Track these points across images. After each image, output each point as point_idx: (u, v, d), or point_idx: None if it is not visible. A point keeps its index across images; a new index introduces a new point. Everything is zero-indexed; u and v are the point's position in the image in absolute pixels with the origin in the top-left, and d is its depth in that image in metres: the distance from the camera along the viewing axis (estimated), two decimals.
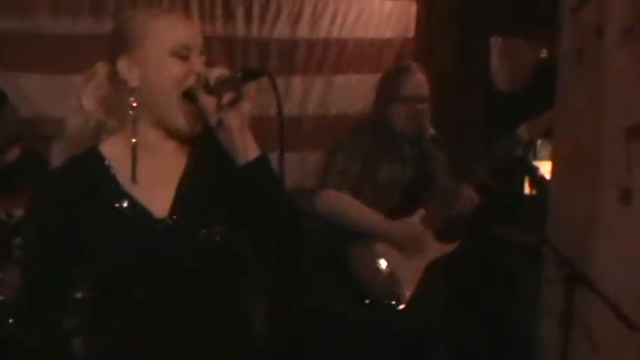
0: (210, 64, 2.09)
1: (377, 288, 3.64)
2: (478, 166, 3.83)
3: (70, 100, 4.39)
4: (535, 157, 5.42)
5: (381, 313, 3.65)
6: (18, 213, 3.92)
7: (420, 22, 5.44)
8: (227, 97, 1.97)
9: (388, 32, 5.41)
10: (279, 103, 1.99)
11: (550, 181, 4.15)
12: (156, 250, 2.03)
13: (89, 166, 2.08)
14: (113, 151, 2.10)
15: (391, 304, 3.64)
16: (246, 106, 2.00)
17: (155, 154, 2.10)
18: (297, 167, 5.16)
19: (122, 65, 2.05)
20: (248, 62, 5.13)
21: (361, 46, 5.37)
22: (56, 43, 4.73)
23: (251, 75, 1.99)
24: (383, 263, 3.68)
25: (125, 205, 2.04)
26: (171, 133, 2.09)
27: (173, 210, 2.07)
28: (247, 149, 2.01)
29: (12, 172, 4.16)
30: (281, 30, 5.22)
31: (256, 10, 5.16)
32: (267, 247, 2.10)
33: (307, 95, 5.32)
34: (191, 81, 2.02)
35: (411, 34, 5.44)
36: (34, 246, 2.12)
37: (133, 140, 2.07)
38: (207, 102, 1.99)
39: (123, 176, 2.08)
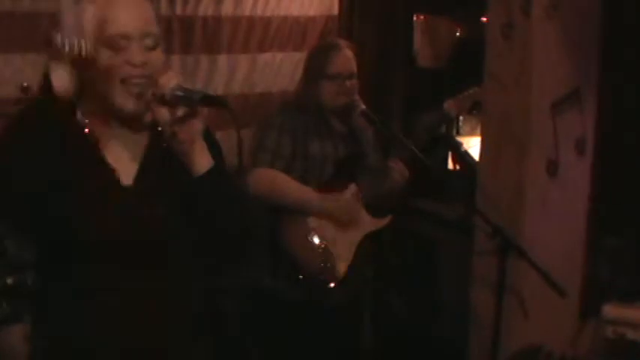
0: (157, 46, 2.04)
1: (311, 264, 3.66)
2: (407, 141, 3.86)
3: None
4: (458, 133, 5.51)
5: (314, 289, 3.68)
6: None
7: (343, 0, 5.44)
8: (180, 111, 1.97)
9: (312, 10, 5.38)
10: (238, 135, 2.03)
11: (479, 154, 4.23)
12: (118, 216, 2.03)
13: (60, 116, 2.06)
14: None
15: (325, 280, 3.67)
16: (199, 124, 2.00)
17: (113, 127, 2.09)
18: (223, 145, 5.11)
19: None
20: (172, 41, 5.06)
21: (285, 24, 5.34)
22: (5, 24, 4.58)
23: (209, 101, 2.00)
24: (316, 239, 3.70)
25: (98, 162, 2.05)
26: (120, 117, 2.07)
27: (136, 182, 2.08)
28: (199, 163, 2.02)
29: None
30: (205, 8, 5.15)
31: None
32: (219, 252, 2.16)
33: (233, 74, 5.26)
34: (125, 71, 1.99)
35: (335, 11, 5.44)
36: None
37: (86, 120, 2.07)
38: (161, 113, 1.98)
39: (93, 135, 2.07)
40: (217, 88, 5.22)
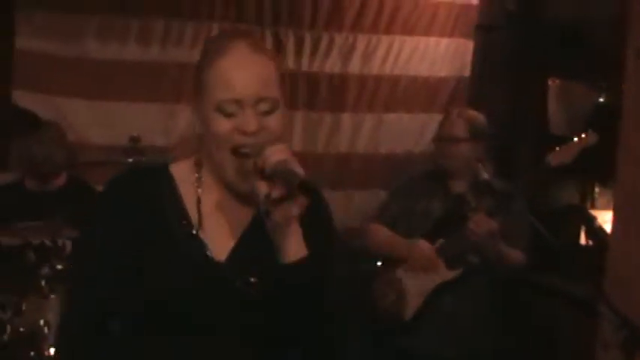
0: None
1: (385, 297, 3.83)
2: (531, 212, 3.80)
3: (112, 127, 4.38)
4: (593, 206, 5.19)
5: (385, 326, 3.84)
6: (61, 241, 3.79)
7: (476, 61, 5.25)
8: (278, 191, 1.78)
9: (443, 70, 5.23)
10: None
11: (610, 231, 3.93)
12: (203, 290, 1.88)
13: (159, 184, 1.95)
14: (184, 175, 1.96)
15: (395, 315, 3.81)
16: (295, 209, 1.80)
17: (221, 195, 1.94)
18: (343, 206, 5.00)
19: (193, 109, 1.93)
20: (297, 96, 5.00)
21: (414, 84, 5.20)
22: (101, 69, 4.66)
23: (306, 187, 1.80)
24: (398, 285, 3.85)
25: (187, 233, 1.91)
26: (228, 187, 1.93)
27: (231, 257, 1.92)
28: (289, 250, 1.83)
29: (58, 199, 4.06)
30: (332, 65, 5.08)
31: (307, 44, 5.03)
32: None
33: (357, 133, 5.16)
34: (236, 139, 1.83)
35: (467, 72, 5.26)
36: (90, 259, 1.95)
37: (199, 190, 1.94)
38: (258, 186, 1.81)
39: (189, 203, 1.94)
40: (340, 147, 5.14)
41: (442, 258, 3.76)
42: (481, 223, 3.64)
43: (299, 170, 1.76)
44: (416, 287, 3.80)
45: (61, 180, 4.17)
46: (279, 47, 4.98)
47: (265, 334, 1.89)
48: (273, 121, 1.86)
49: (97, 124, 4.62)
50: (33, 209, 3.83)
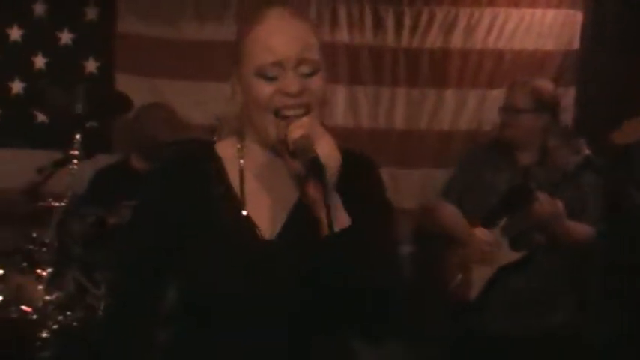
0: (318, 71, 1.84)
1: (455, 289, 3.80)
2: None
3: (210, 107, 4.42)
4: None
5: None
6: None
7: (585, 33, 5.03)
8: (302, 169, 1.74)
9: (550, 43, 5.03)
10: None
11: None
12: (254, 269, 1.84)
13: (203, 166, 1.93)
14: (228, 153, 1.94)
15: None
16: (330, 176, 1.74)
17: (267, 171, 1.91)
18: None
19: (233, 79, 1.91)
20: (398, 73, 4.92)
21: (519, 58, 5.02)
22: (199, 50, 4.71)
23: (314, 166, 1.73)
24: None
25: (235, 215, 1.87)
26: (275, 152, 1.88)
27: (281, 233, 1.88)
28: (333, 222, 1.74)
29: None
30: (433, 40, 4.97)
31: (407, 19, 4.94)
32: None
33: (460, 109, 5.03)
34: (277, 101, 1.81)
35: (576, 45, 5.04)
36: (136, 238, 1.96)
37: (241, 161, 1.91)
38: (288, 163, 1.79)
39: (235, 181, 1.91)
40: (443, 124, 5.03)
41: (506, 237, 3.71)
42: (546, 205, 3.57)
43: (314, 148, 1.72)
44: (480, 268, 3.77)
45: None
46: (378, 23, 4.92)
47: (317, 312, 1.82)
48: (315, 83, 1.83)
49: (196, 104, 4.66)
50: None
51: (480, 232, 3.74)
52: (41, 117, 4.72)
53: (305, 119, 1.79)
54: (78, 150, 3.39)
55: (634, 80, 5.00)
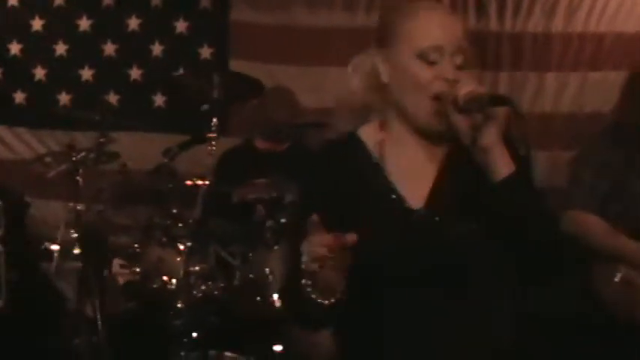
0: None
1: (616, 308, 3.44)
2: None
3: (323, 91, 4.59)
4: None
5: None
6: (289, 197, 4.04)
7: None
8: (478, 118, 1.90)
9: None
10: (525, 137, 1.96)
11: None
12: (410, 242, 1.97)
13: (350, 151, 2.07)
14: (371, 137, 2.08)
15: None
16: (497, 127, 1.90)
17: (409, 148, 2.05)
18: (548, 166, 4.98)
19: (378, 60, 2.03)
20: (501, 57, 5.04)
21: (621, 41, 5.09)
22: (311, 36, 4.88)
23: (497, 101, 1.90)
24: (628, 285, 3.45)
25: (386, 191, 2.02)
26: (422, 133, 2.03)
27: (429, 202, 2.02)
28: (500, 167, 1.92)
29: (284, 159, 4.33)
30: (535, 24, 5.08)
31: (510, 4, 5.06)
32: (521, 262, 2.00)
33: (561, 92, 5.13)
34: (437, 86, 1.95)
35: None
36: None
37: (381, 137, 2.05)
38: (458, 120, 1.92)
39: (381, 161, 2.05)
40: (544, 106, 5.13)
41: None
42: None
43: (484, 91, 1.88)
44: None
45: (287, 142, 4.43)
46: (482, 9, 5.04)
47: (472, 276, 1.97)
48: (466, 77, 1.95)
49: (308, 88, 4.84)
50: (263, 168, 4.04)
51: None
52: (158, 101, 4.96)
53: (468, 79, 1.93)
54: (216, 133, 3.58)
55: None
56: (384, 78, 2.01)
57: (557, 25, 5.09)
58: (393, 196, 2.01)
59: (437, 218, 1.99)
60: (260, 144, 4.46)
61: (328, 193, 2.02)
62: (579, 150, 3.71)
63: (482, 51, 5.09)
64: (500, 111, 1.89)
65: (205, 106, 3.86)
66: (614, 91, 5.00)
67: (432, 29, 1.96)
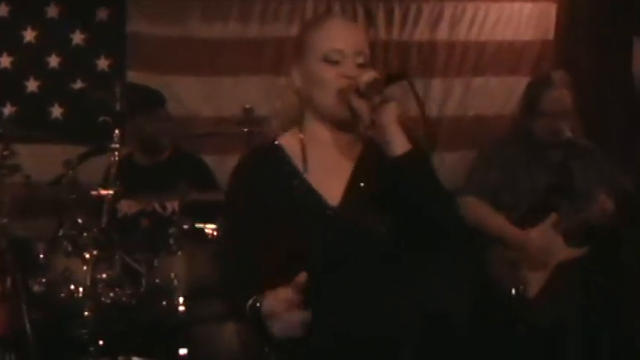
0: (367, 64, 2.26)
1: (505, 287, 3.80)
2: (622, 173, 3.88)
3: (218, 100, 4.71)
4: None
5: (507, 309, 3.82)
6: (170, 206, 4.21)
7: (559, 24, 5.41)
8: (377, 100, 2.16)
9: (528, 34, 5.40)
10: (418, 98, 2.21)
11: None
12: (325, 235, 2.20)
13: (272, 157, 2.31)
14: (290, 143, 2.32)
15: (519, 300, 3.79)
16: (393, 105, 2.18)
17: (327, 147, 2.30)
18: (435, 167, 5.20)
19: (293, 68, 2.33)
20: (389, 65, 5.26)
21: (500, 49, 5.39)
22: (206, 47, 5.00)
23: (393, 78, 2.20)
24: (514, 264, 3.82)
25: (302, 190, 2.24)
26: (334, 125, 2.28)
27: (344, 198, 2.25)
28: (397, 144, 2.16)
29: (165, 169, 4.43)
30: (421, 33, 5.32)
31: (397, 14, 5.29)
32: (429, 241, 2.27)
33: (447, 97, 5.38)
34: (342, 83, 2.20)
35: (551, 36, 5.42)
36: (234, 230, 2.33)
37: (300, 136, 2.30)
38: (359, 105, 2.18)
39: (299, 166, 2.28)
40: (431, 110, 5.35)
41: (561, 234, 3.80)
42: (607, 206, 3.73)
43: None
44: (534, 265, 3.79)
45: (167, 152, 4.55)
46: (370, 19, 5.25)
47: (387, 265, 2.22)
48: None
49: (204, 98, 4.97)
50: (144, 181, 4.25)
51: (536, 236, 3.77)
52: (55, 113, 5.00)
53: (370, 70, 2.21)
54: (118, 144, 3.67)
55: (605, 70, 5.37)
56: (297, 82, 2.29)
57: (442, 34, 5.34)
58: (312, 195, 2.24)
59: (349, 214, 2.21)
60: (138, 159, 4.57)
61: (252, 196, 2.25)
62: (480, 147, 4.08)
63: (372, 59, 5.30)
64: (396, 91, 2.16)
65: (104, 118, 3.93)
66: (495, 95, 5.39)
67: (334, 36, 2.26)
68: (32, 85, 4.99)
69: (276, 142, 2.33)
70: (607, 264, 4.38)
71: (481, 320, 3.95)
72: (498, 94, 5.40)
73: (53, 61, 5.00)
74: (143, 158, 4.57)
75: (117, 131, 3.66)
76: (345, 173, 2.28)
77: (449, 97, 5.39)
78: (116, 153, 3.64)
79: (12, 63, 4.98)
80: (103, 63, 5.02)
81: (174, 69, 5.00)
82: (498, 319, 3.84)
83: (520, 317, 3.78)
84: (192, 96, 4.98)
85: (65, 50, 5.00)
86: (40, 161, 4.55)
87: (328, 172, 2.27)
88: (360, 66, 2.24)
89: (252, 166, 2.33)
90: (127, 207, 4.29)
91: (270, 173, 2.28)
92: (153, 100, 4.14)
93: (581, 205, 3.82)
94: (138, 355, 3.64)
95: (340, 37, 2.26)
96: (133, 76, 4.95)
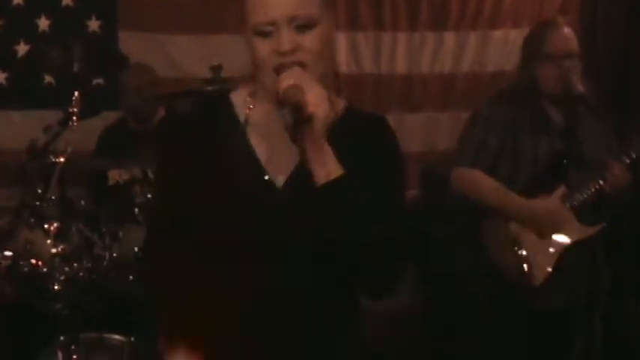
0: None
1: (511, 269, 3.40)
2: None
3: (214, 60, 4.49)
4: None
5: (513, 292, 3.42)
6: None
7: None
8: (293, 116, 1.79)
9: None
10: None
11: None
12: (263, 214, 1.92)
13: (218, 110, 2.02)
14: (241, 101, 2.01)
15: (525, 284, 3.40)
16: (316, 129, 1.80)
17: (276, 126, 1.92)
18: (450, 128, 4.93)
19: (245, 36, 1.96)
20: (398, 17, 4.98)
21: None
22: (200, 5, 4.77)
23: (304, 116, 1.80)
24: (517, 247, 3.42)
25: (246, 154, 1.95)
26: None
27: (289, 182, 1.95)
28: (319, 173, 1.83)
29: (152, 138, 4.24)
30: None
31: None
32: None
33: (461, 51, 5.07)
34: (274, 60, 1.86)
35: None
36: (159, 191, 2.11)
37: (248, 108, 1.99)
38: (280, 112, 1.84)
39: (249, 128, 1.99)
40: (444, 67, 5.06)
41: (571, 210, 3.39)
42: (621, 176, 3.34)
43: (302, 97, 1.77)
44: (545, 251, 3.41)
45: (158, 116, 4.33)
46: None
47: (320, 260, 1.89)
48: (310, 39, 1.87)
49: (199, 58, 4.72)
50: (137, 146, 4.00)
51: (547, 203, 3.38)
52: (48, 78, 4.82)
53: (296, 69, 1.83)
54: (77, 107, 3.46)
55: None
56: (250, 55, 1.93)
57: None
58: (252, 161, 1.95)
59: (295, 198, 1.91)
60: (132, 124, 4.41)
61: (189, 150, 1.97)
62: (474, 110, 3.63)
63: (379, 12, 5.02)
64: (321, 109, 1.79)
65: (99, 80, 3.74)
66: (515, 49, 5.02)
67: (263, 4, 1.85)
68: (22, 49, 4.81)
69: (226, 97, 2.03)
70: (624, 242, 4.02)
71: (484, 306, 3.58)
72: (519, 48, 5.04)
73: (43, 23, 4.81)
74: (134, 124, 4.41)
75: (76, 94, 3.44)
76: (293, 157, 1.92)
77: (464, 51, 5.09)
78: (74, 118, 3.42)
79: (1, 27, 4.80)
80: (93, 24, 4.82)
81: (166, 28, 4.81)
82: (502, 304, 3.46)
83: (525, 302, 3.40)
84: (186, 55, 4.77)
85: (55, 12, 4.80)
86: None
87: (274, 148, 1.96)
88: (301, 29, 1.86)
89: (194, 118, 2.05)
90: (117, 175, 4.09)
91: (212, 126, 1.98)
92: (115, 62, 3.93)
93: (592, 175, 3.41)
94: (111, 332, 3.47)
95: (270, 4, 1.85)
96: (125, 37, 4.76)
